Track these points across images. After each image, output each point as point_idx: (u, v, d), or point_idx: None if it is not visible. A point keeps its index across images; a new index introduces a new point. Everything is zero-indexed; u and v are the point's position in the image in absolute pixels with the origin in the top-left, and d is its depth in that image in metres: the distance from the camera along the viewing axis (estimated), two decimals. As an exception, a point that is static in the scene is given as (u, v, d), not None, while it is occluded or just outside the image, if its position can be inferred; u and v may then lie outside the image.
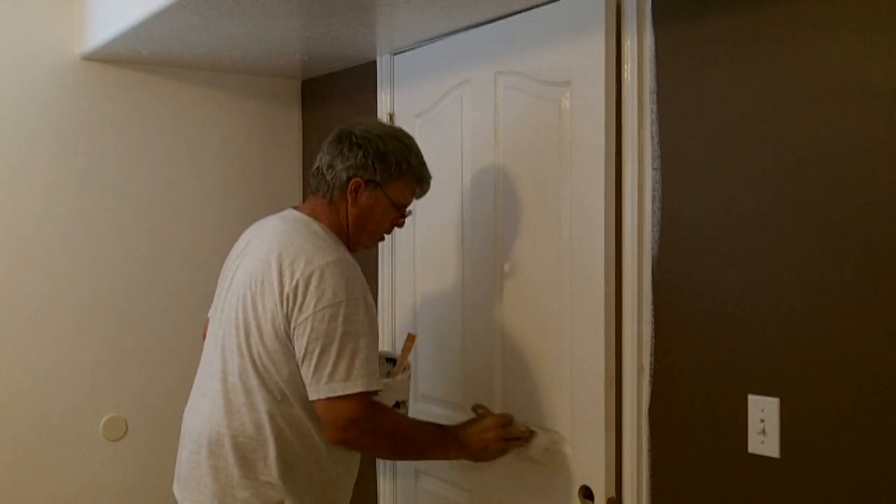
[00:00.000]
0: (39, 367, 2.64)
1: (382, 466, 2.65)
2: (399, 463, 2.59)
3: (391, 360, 2.19)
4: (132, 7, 2.26)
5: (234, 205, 2.94)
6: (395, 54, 2.58)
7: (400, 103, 2.56)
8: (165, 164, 2.83)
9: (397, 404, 2.05)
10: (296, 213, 1.94)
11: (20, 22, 2.59)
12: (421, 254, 2.48)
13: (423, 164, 1.99)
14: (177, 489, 1.96)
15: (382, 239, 2.04)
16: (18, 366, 2.61)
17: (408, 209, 2.01)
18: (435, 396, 2.43)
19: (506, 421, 2.06)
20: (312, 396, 1.78)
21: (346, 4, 2.08)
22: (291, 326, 1.77)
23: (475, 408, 2.16)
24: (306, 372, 1.78)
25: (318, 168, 1.95)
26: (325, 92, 2.97)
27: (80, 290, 2.70)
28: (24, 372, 2.62)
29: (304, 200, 2.07)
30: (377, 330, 1.86)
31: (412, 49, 2.50)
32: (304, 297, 1.76)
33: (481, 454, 2.00)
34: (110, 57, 2.67)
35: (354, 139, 1.91)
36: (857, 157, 1.48)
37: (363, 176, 1.89)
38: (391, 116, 2.58)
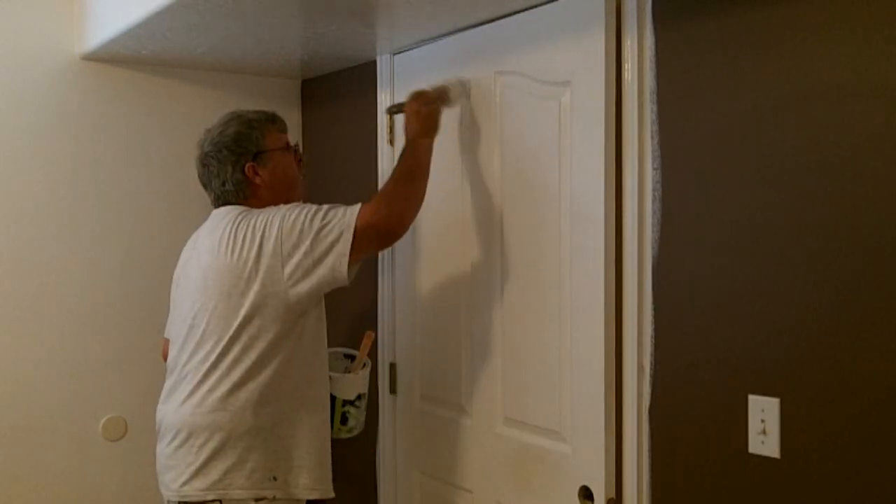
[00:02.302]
0: (39, 367, 2.64)
1: (382, 466, 2.65)
2: (399, 462, 2.59)
3: (350, 357, 2.23)
4: (132, 7, 2.26)
5: (234, 205, 2.93)
6: (395, 54, 2.58)
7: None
8: (165, 164, 2.83)
9: (359, 396, 2.20)
10: (221, 208, 2.11)
11: (20, 22, 2.59)
12: (421, 254, 2.47)
13: (261, 111, 2.17)
14: (160, 482, 2.07)
15: (303, 185, 2.23)
16: (18, 366, 2.61)
17: (292, 143, 2.18)
18: (435, 396, 2.43)
19: (416, 94, 2.18)
20: (350, 244, 1.91)
21: (346, 4, 2.08)
22: (272, 265, 1.92)
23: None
24: (323, 248, 1.92)
25: (215, 195, 2.13)
26: (325, 92, 2.97)
27: (79, 290, 2.70)
28: (23, 372, 2.62)
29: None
30: None
31: (412, 49, 2.50)
32: (263, 232, 1.93)
33: (430, 124, 2.14)
34: (110, 57, 2.67)
35: (211, 153, 2.10)
36: (858, 157, 1.48)
37: (247, 159, 2.08)
38: (391, 116, 2.58)
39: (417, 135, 2.12)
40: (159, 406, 2.12)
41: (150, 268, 2.80)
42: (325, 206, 1.98)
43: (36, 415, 2.64)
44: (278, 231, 1.94)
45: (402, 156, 2.12)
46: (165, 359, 2.22)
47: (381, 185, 2.62)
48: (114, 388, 2.75)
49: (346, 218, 1.94)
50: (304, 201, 2.09)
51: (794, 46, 1.57)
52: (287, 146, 2.16)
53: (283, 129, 2.18)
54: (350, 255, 1.93)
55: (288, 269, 1.93)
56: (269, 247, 1.94)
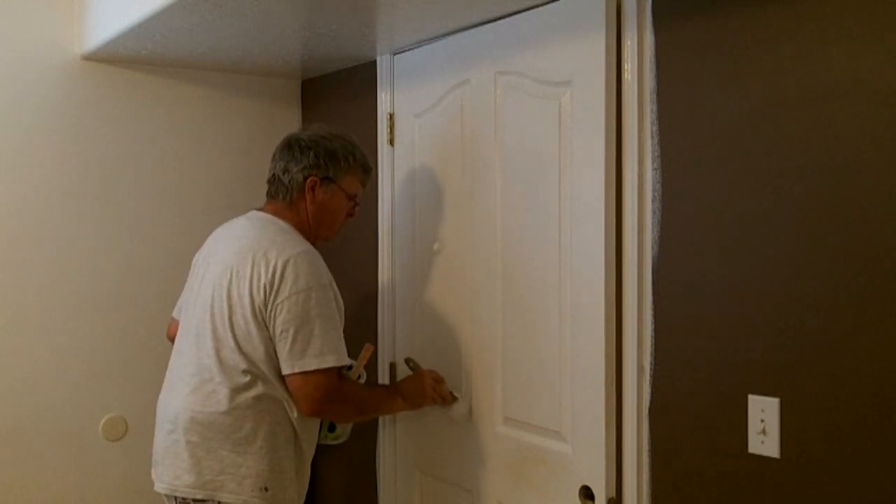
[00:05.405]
0: (39, 367, 2.64)
1: (383, 467, 2.65)
2: (399, 462, 2.59)
3: (348, 366, 2.25)
4: (132, 7, 2.26)
5: (235, 204, 2.92)
6: (395, 54, 2.58)
7: (400, 103, 2.56)
8: (166, 164, 2.83)
9: None
10: (261, 214, 2.14)
11: (20, 22, 2.59)
12: (421, 255, 2.47)
13: (365, 156, 2.20)
14: (154, 472, 2.08)
15: (339, 231, 2.22)
16: (18, 365, 2.61)
17: (358, 199, 2.21)
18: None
19: (437, 376, 2.28)
20: (287, 371, 1.95)
21: (346, 4, 2.08)
22: (268, 310, 1.95)
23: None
24: (282, 349, 1.95)
25: (274, 175, 2.14)
26: (325, 92, 2.97)
27: (79, 289, 2.70)
28: (23, 372, 2.62)
29: (263, 206, 2.20)
30: (343, 313, 2.07)
31: (412, 49, 2.50)
32: (280, 282, 1.94)
33: (419, 402, 2.24)
34: (110, 57, 2.67)
35: (303, 143, 2.12)
36: (857, 157, 1.48)
37: (317, 174, 2.10)
38: (391, 116, 2.58)
39: (406, 400, 2.21)
40: (161, 395, 2.14)
41: (151, 267, 2.80)
42: (332, 324, 1.98)
43: (36, 415, 2.64)
44: (287, 314, 1.94)
45: (384, 394, 2.25)
46: (171, 339, 2.24)
47: (380, 184, 2.62)
48: (114, 388, 2.75)
49: (325, 358, 1.94)
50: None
51: (794, 46, 1.57)
52: (354, 197, 2.18)
53: (364, 184, 2.21)
54: (290, 375, 1.96)
55: (276, 336, 1.97)
56: (275, 307, 1.95)
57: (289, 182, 2.10)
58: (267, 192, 2.18)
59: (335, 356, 1.96)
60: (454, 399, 2.28)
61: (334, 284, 2.05)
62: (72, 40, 2.67)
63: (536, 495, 2.09)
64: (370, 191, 2.64)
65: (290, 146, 2.13)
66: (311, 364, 1.93)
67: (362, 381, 2.25)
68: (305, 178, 2.09)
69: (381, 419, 2.63)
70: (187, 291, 2.19)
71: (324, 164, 2.10)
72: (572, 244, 1.97)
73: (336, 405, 2.04)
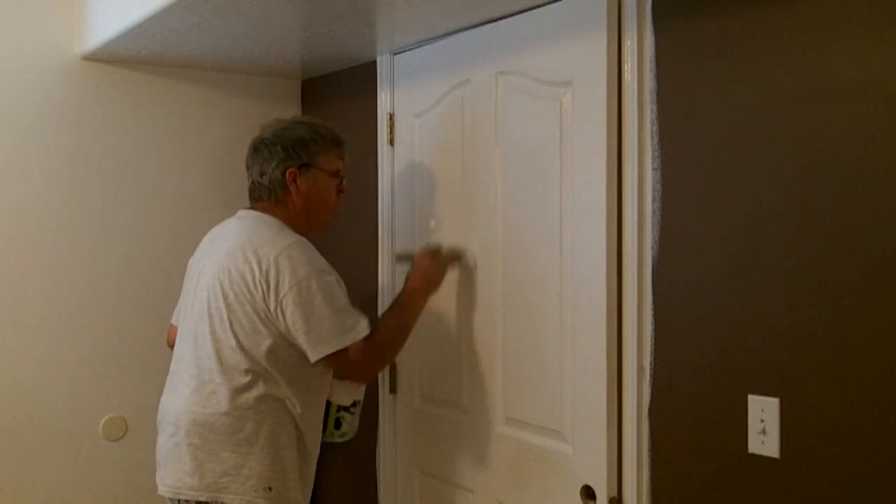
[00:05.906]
0: (39, 367, 2.64)
1: (383, 467, 2.65)
2: (399, 464, 2.59)
3: None
4: (132, 7, 2.26)
5: (235, 205, 2.91)
6: (395, 54, 2.58)
7: (400, 103, 2.56)
8: (165, 163, 2.83)
9: (354, 403, 2.25)
10: (251, 211, 2.15)
11: (20, 22, 2.60)
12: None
13: (331, 130, 2.19)
14: (157, 475, 2.09)
15: (336, 212, 2.22)
16: (18, 366, 2.61)
17: (342, 173, 2.20)
18: (435, 396, 2.43)
19: (433, 251, 2.26)
20: (317, 357, 1.96)
21: (346, 4, 2.08)
22: (271, 307, 1.95)
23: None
24: (304, 339, 1.96)
25: (253, 182, 2.16)
26: (325, 92, 2.97)
27: (79, 289, 2.70)
28: (23, 372, 2.62)
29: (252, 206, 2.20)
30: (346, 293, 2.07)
31: (412, 49, 2.50)
32: (278, 277, 1.95)
33: (432, 287, 2.22)
34: (110, 57, 2.67)
35: (268, 141, 2.13)
36: (857, 157, 1.48)
37: (294, 164, 2.10)
38: (391, 116, 2.58)
39: (419, 292, 2.17)
40: (162, 398, 2.14)
41: (151, 267, 2.80)
42: (340, 303, 1.99)
43: (36, 415, 2.64)
44: (293, 306, 1.95)
45: (400, 307, 2.17)
46: (170, 345, 2.24)
47: (380, 184, 2.62)
48: (114, 388, 2.75)
49: (344, 336, 1.96)
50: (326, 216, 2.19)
51: (794, 46, 1.57)
52: (336, 173, 2.17)
53: (342, 157, 2.20)
54: (322, 361, 1.98)
55: (291, 327, 1.97)
56: (279, 299, 1.96)
57: (269, 183, 2.11)
58: (250, 199, 2.18)
59: (355, 330, 1.97)
60: (458, 256, 2.28)
61: (330, 268, 2.05)
62: (72, 40, 2.67)
63: (537, 495, 2.09)
64: (370, 191, 2.65)
65: (258, 148, 2.14)
66: (338, 344, 1.95)
67: (362, 394, 2.25)
68: (283, 173, 2.10)
69: (381, 420, 2.63)
70: (184, 295, 2.19)
71: (295, 153, 2.10)
72: (573, 244, 1.97)
73: (379, 363, 2.16)
